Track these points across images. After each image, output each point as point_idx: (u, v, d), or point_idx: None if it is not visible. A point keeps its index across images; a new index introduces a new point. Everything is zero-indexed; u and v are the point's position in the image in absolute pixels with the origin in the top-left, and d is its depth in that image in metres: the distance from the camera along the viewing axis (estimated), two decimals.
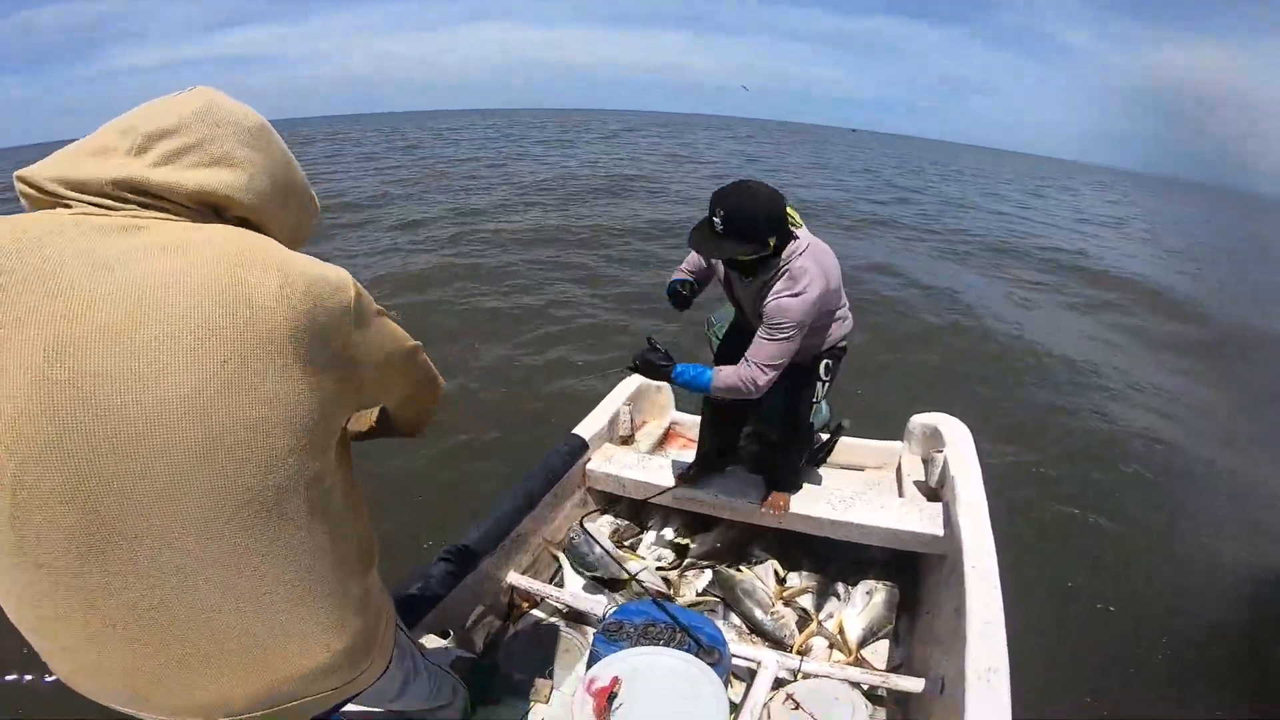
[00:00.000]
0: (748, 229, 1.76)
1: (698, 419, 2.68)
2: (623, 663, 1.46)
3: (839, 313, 2.15)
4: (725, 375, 1.90)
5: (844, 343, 2.29)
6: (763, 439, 2.67)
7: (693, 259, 2.22)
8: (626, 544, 2.49)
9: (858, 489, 2.48)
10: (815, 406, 2.32)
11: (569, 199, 13.69)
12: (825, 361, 2.27)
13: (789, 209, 1.85)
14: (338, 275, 0.81)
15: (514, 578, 2.17)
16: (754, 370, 1.88)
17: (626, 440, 2.85)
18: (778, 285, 1.87)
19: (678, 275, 2.24)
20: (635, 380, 2.99)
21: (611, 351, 5.51)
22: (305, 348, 0.74)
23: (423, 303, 6.66)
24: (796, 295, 1.84)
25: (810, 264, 1.86)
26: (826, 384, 2.29)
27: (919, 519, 2.22)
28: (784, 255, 1.88)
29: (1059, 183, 38.42)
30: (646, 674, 1.43)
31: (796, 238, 1.89)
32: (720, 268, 2.11)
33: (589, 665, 1.65)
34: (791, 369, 2.25)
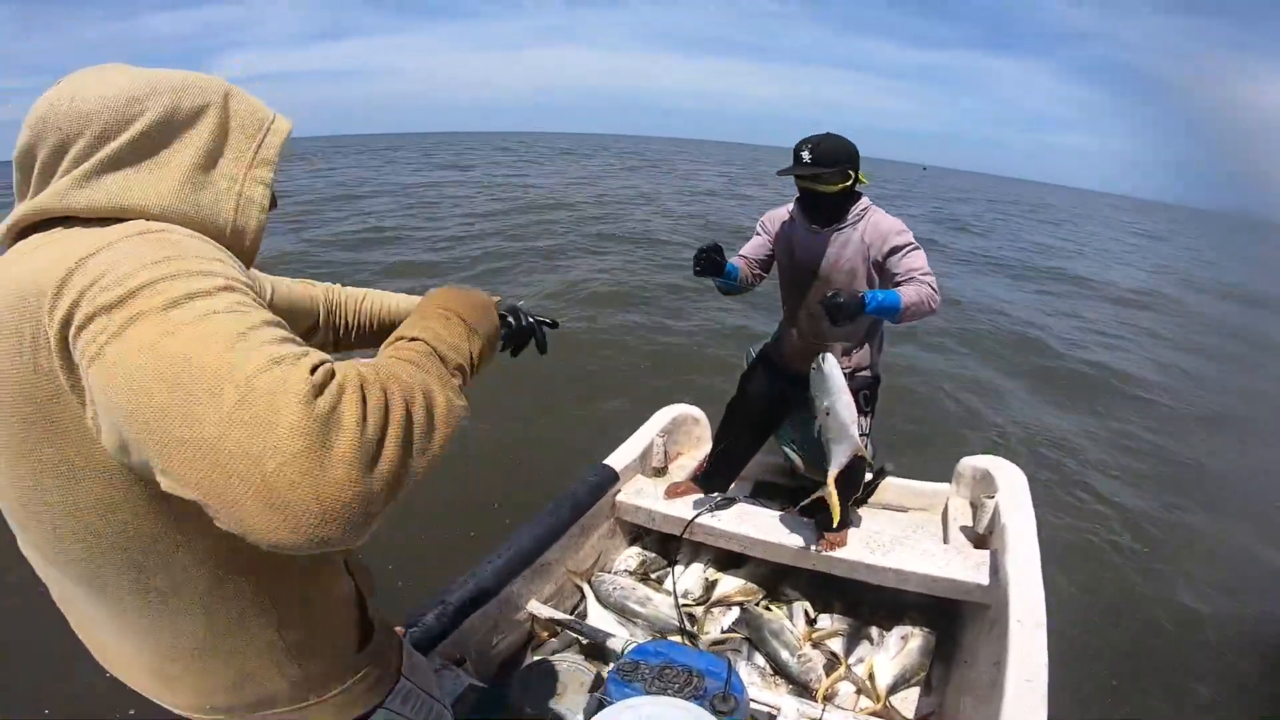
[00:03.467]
0: (830, 156, 1.99)
1: None
2: (629, 713, 1.42)
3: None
4: (907, 293, 1.94)
5: (880, 370, 2.29)
6: (804, 476, 2.63)
7: (755, 245, 2.31)
8: (653, 577, 2.45)
9: (899, 532, 2.39)
10: (863, 440, 2.26)
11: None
12: (864, 391, 2.24)
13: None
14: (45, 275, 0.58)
15: (535, 606, 2.16)
16: (923, 282, 1.97)
17: (660, 472, 2.80)
18: (872, 221, 2.08)
19: (730, 260, 2.24)
20: (671, 410, 2.96)
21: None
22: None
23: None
24: (897, 220, 2.07)
25: (886, 216, 2.10)
26: (869, 415, 2.27)
27: (963, 566, 2.12)
28: (858, 206, 2.10)
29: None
30: None
31: (862, 196, 2.12)
32: (785, 235, 2.24)
33: (599, 705, 1.62)
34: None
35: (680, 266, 8.96)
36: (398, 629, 1.09)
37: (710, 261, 2.05)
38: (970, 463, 2.61)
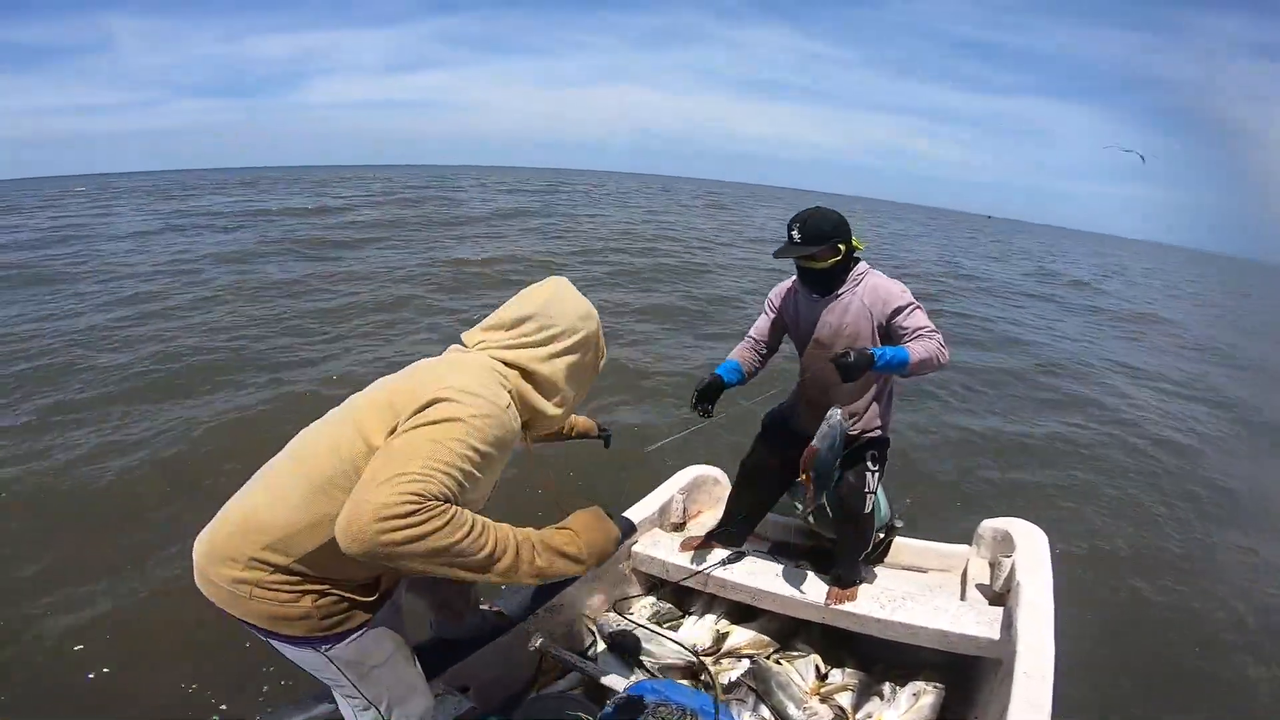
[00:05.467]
0: (819, 234, 2.10)
1: None
2: None
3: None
4: (915, 349, 2.04)
5: (889, 434, 2.34)
6: (817, 534, 2.64)
7: (761, 326, 2.43)
8: (665, 627, 2.46)
9: (912, 590, 2.36)
10: (870, 498, 2.30)
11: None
12: (871, 451, 2.28)
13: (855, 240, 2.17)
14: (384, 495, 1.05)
15: (544, 644, 2.20)
16: (931, 339, 2.06)
17: (678, 528, 2.85)
18: (870, 285, 2.16)
19: (733, 356, 2.42)
20: (693, 470, 3.03)
21: None
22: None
23: None
24: (895, 283, 2.16)
25: (884, 279, 2.19)
26: (877, 474, 2.30)
27: (975, 622, 2.09)
28: (855, 271, 2.19)
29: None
30: None
31: (859, 261, 2.20)
32: (790, 307, 2.35)
33: None
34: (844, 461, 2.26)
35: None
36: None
37: (707, 399, 2.31)
38: (990, 524, 2.60)
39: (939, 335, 2.07)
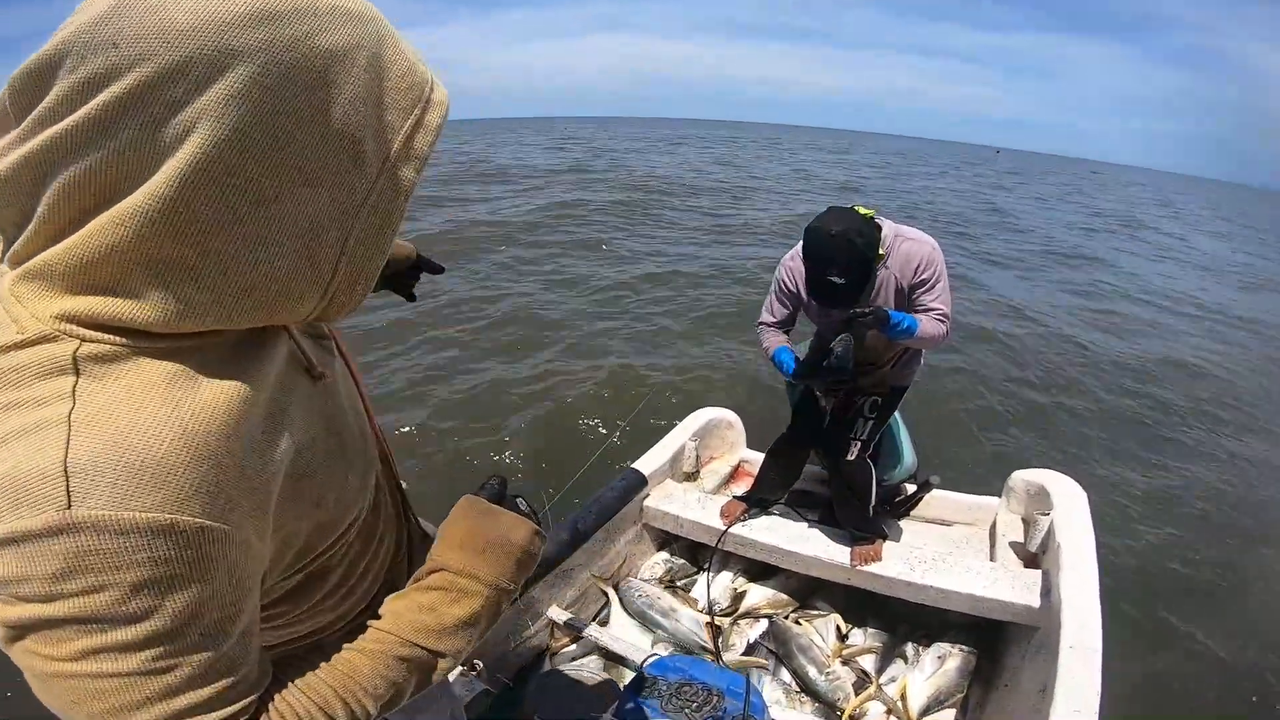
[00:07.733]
0: (865, 268, 1.79)
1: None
2: None
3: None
4: (925, 326, 1.90)
5: (907, 384, 2.21)
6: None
7: (782, 313, 2.15)
8: (680, 585, 2.39)
9: (942, 549, 2.27)
10: (856, 445, 2.18)
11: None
12: (873, 398, 2.16)
13: (862, 210, 1.86)
14: None
15: (555, 613, 2.12)
16: (936, 319, 1.92)
17: (691, 476, 2.74)
18: (902, 254, 1.90)
19: (780, 344, 2.14)
20: (705, 414, 2.88)
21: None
22: None
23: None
24: (926, 246, 1.90)
25: (915, 241, 1.91)
26: (870, 423, 2.19)
27: (1011, 587, 2.01)
28: (884, 244, 1.90)
29: None
30: None
31: (882, 230, 1.90)
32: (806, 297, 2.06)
33: (617, 715, 1.59)
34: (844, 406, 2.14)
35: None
36: None
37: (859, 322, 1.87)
38: (1023, 476, 2.47)
39: (949, 322, 1.93)
